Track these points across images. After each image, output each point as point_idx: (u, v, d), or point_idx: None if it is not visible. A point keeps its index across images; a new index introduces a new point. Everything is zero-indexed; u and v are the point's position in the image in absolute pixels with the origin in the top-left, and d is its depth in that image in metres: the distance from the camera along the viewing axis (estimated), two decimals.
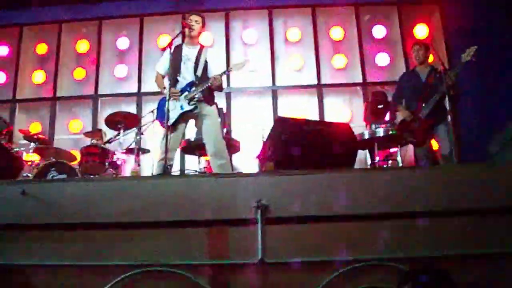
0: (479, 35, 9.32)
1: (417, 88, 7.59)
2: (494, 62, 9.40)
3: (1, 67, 11.42)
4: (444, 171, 4.77)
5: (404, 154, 8.77)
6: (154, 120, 8.12)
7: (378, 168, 8.28)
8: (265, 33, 11.02)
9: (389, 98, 9.14)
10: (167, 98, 6.42)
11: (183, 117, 6.93)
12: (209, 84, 6.72)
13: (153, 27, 11.30)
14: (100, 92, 11.00)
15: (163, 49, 7.03)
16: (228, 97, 10.65)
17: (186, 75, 6.97)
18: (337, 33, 11.05)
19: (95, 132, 9.21)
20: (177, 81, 6.92)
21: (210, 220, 4.25)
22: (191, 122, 7.21)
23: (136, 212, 4.30)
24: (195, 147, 8.72)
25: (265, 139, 7.45)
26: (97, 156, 8.38)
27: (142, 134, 8.86)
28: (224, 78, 7.00)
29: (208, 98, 6.95)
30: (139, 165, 8.55)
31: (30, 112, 11.25)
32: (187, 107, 6.85)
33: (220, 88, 6.98)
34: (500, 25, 9.74)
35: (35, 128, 10.60)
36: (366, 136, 8.49)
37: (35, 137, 8.75)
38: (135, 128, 8.79)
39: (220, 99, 9.07)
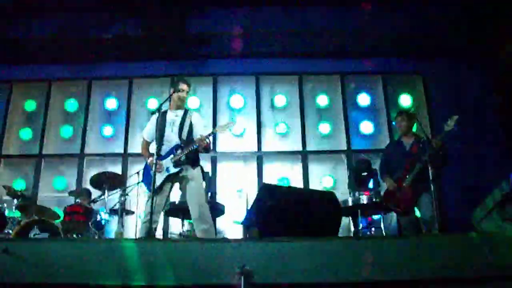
0: (461, 103, 9.58)
1: (401, 158, 7.66)
2: (476, 129, 9.66)
3: None
4: (426, 241, 4.78)
5: (388, 221, 8.80)
6: (139, 182, 8.09)
7: (362, 236, 8.28)
8: (252, 98, 11.31)
9: (373, 166, 9.23)
10: (152, 168, 6.44)
11: (168, 179, 6.92)
12: (196, 145, 6.73)
13: (142, 89, 11.53)
14: (86, 151, 11.09)
15: (152, 113, 7.09)
16: (213, 161, 10.78)
17: (171, 139, 6.99)
18: (322, 100, 11.29)
19: (80, 191, 9.17)
20: (162, 145, 6.92)
21: (194, 285, 4.20)
22: (176, 185, 7.20)
23: (120, 275, 4.25)
24: (179, 210, 8.71)
25: (250, 205, 7.42)
26: (81, 216, 8.44)
27: (127, 195, 8.82)
28: (210, 139, 7.01)
29: (193, 160, 6.97)
30: (123, 226, 8.49)
31: (14, 168, 11.26)
32: (172, 170, 6.86)
33: (206, 149, 7.00)
34: (481, 93, 10.04)
35: (19, 184, 10.50)
36: (350, 203, 8.54)
37: (18, 193, 8.65)
38: (119, 189, 8.73)
39: (205, 163, 9.14)
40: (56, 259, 4.42)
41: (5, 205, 8.77)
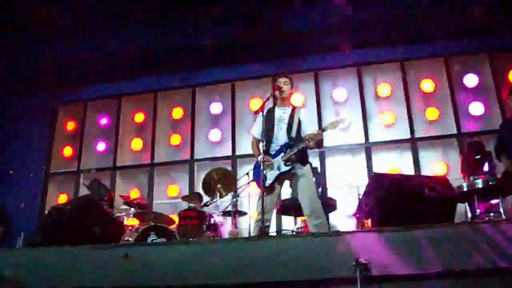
0: None
1: None
2: None
3: (102, 137, 12.11)
4: None
5: (507, 205, 8.40)
6: (250, 181, 8.11)
7: (481, 221, 7.95)
8: (355, 90, 11.23)
9: (487, 148, 8.88)
10: (261, 165, 6.45)
11: (280, 178, 6.89)
12: (308, 142, 6.68)
13: (245, 91, 11.77)
14: (196, 156, 11.30)
15: (256, 113, 7.11)
16: (322, 156, 10.74)
17: (280, 137, 6.97)
18: (428, 85, 11.06)
19: (192, 195, 9.35)
20: (271, 143, 6.92)
21: (307, 280, 4.16)
22: (286, 183, 7.17)
23: (233, 273, 4.28)
24: (291, 208, 8.71)
25: (361, 196, 7.31)
26: (195, 219, 8.52)
27: (238, 196, 8.88)
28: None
29: (303, 158, 6.91)
30: (236, 227, 8.56)
31: (129, 178, 11.78)
32: (284, 168, 6.80)
33: (320, 145, 6.93)
34: None
35: (135, 193, 10.91)
36: (465, 189, 8.19)
37: (134, 202, 9.01)
38: (231, 192, 8.81)
39: (314, 159, 9.10)
40: (173, 262, 4.52)
41: (124, 214, 9.19)
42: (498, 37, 10.68)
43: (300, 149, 6.77)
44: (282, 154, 6.83)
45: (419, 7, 10.22)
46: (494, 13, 10.20)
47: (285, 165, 6.82)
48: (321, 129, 6.94)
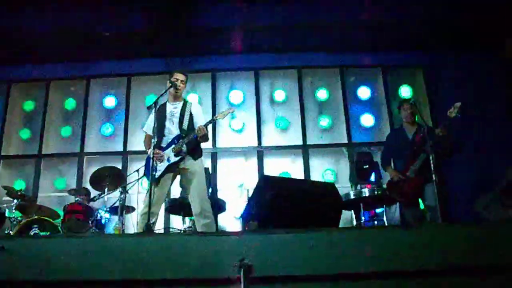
0: (463, 93, 9.49)
1: (404, 147, 7.61)
2: (481, 116, 9.58)
3: None
4: (430, 230, 4.69)
5: (391, 214, 8.73)
6: (140, 178, 8.04)
7: (365, 227, 8.21)
8: (251, 93, 11.34)
9: (375, 159, 9.18)
10: (151, 157, 6.41)
11: (169, 170, 6.87)
12: (195, 134, 6.70)
13: (140, 86, 11.62)
14: (86, 150, 11.14)
15: (148, 108, 7.03)
16: (213, 157, 10.82)
17: (172, 131, 7.03)
18: (322, 94, 11.24)
19: (80, 190, 9.14)
20: (163, 137, 6.90)
21: (192, 279, 4.11)
22: (177, 180, 7.15)
23: (117, 271, 4.16)
24: (180, 206, 8.74)
25: (249, 198, 7.38)
26: (81, 214, 8.40)
27: (127, 192, 8.73)
28: (210, 129, 6.96)
29: (194, 151, 6.97)
30: (123, 224, 8.41)
31: (14, 169, 11.34)
32: (173, 159, 6.84)
33: (205, 139, 6.96)
34: (482, 81, 9.96)
35: (19, 185, 10.47)
36: (352, 197, 8.47)
37: (18, 193, 8.62)
38: (120, 188, 8.65)
39: (205, 159, 9.08)
40: (53, 256, 4.35)
41: (5, 205, 8.78)
42: (391, 53, 11.11)
43: (189, 140, 6.82)
44: (173, 145, 6.88)
45: (317, 17, 10.48)
46: (388, 29, 10.61)
47: (175, 155, 6.83)
48: (212, 118, 7.05)
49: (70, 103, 11.69)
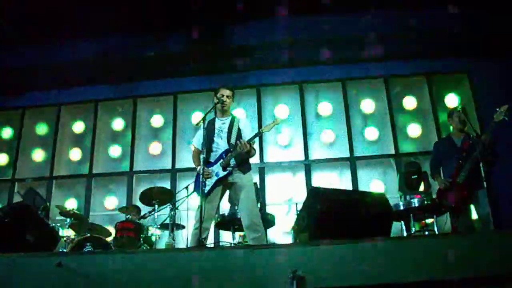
0: (508, 98, 9.34)
1: (453, 155, 7.57)
2: None
3: (40, 145, 12.02)
4: (483, 238, 4.65)
5: (442, 225, 8.63)
6: (189, 194, 8.10)
7: (415, 236, 8.14)
8: (297, 107, 11.36)
9: (423, 168, 9.10)
10: (200, 173, 6.54)
11: (218, 185, 6.95)
12: (239, 149, 6.76)
13: (187, 104, 11.85)
14: (135, 168, 11.32)
15: (197, 124, 7.15)
16: (261, 172, 10.85)
17: (221, 145, 7.13)
18: (368, 105, 11.19)
19: (130, 207, 9.32)
20: (211, 152, 7.00)
21: None
22: (227, 195, 7.23)
23: (170, 285, 4.24)
24: (230, 222, 8.81)
25: (299, 210, 7.39)
26: (132, 232, 8.53)
27: (176, 209, 8.82)
28: (257, 143, 6.97)
29: (243, 165, 7.03)
30: (174, 239, 8.51)
31: (66, 189, 11.70)
32: (222, 174, 6.89)
33: (250, 153, 7.02)
34: None
35: (71, 204, 10.74)
36: (401, 207, 8.41)
37: (71, 212, 8.83)
38: (169, 204, 8.76)
39: (253, 175, 9.11)
40: (108, 272, 4.46)
41: (59, 224, 9.01)
42: (436, 61, 11.03)
43: (237, 154, 6.88)
44: (221, 160, 6.96)
45: (358, 29, 10.51)
46: (432, 36, 10.60)
47: (223, 170, 6.91)
48: (258, 131, 7.08)
49: (119, 123, 11.99)
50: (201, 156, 6.89)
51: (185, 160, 10.77)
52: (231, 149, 7.02)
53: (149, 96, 11.87)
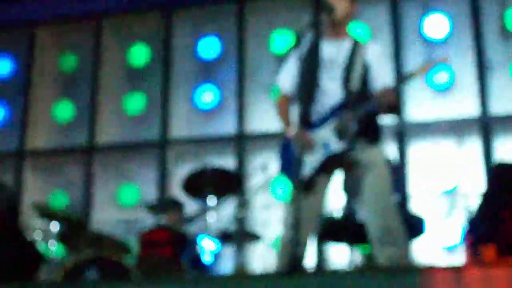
0: None
1: None
2: None
3: None
4: None
5: None
6: (272, 179, 7.90)
7: None
8: (464, 17, 11.06)
9: None
10: (293, 145, 6.04)
11: (328, 166, 6.52)
12: (375, 104, 6.32)
13: (261, 16, 11.59)
14: (171, 134, 11.46)
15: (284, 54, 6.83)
16: (400, 139, 10.49)
17: (330, 92, 6.48)
18: None
19: (165, 204, 9.38)
20: (313, 102, 6.57)
21: None
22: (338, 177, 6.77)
23: None
24: (343, 229, 8.31)
25: (471, 208, 7.42)
26: (168, 246, 8.35)
27: (247, 206, 8.62)
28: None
29: (371, 132, 6.49)
30: (245, 258, 8.33)
31: (48, 173, 12.21)
32: (334, 146, 6.44)
33: (393, 110, 6.58)
34: None
35: (60, 198, 10.88)
36: None
37: (59, 214, 8.70)
38: (234, 198, 8.52)
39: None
40: None
41: (41, 236, 8.71)
42: None
43: (366, 113, 6.42)
44: (334, 120, 6.54)
45: None
46: None
47: (339, 139, 6.51)
48: (408, 74, 6.34)
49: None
50: (294, 109, 6.54)
51: (259, 118, 10.61)
52: (351, 102, 6.68)
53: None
